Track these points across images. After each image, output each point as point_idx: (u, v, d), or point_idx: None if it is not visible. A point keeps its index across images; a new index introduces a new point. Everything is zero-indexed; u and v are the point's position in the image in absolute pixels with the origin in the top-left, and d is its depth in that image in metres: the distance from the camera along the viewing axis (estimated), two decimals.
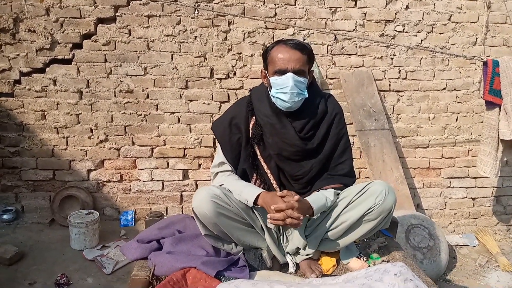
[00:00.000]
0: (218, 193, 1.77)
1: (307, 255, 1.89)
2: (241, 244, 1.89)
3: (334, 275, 1.83)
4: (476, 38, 3.58)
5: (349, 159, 1.94)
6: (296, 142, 1.82)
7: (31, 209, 3.45)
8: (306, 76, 1.80)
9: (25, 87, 3.31)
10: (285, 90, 1.74)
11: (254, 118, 1.89)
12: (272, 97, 1.81)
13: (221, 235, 1.85)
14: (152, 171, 3.50)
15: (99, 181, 3.47)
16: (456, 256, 3.41)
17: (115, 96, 3.38)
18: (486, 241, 3.50)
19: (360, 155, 3.52)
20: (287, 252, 1.91)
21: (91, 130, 3.40)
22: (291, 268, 1.86)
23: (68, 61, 3.32)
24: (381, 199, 1.74)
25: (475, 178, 3.74)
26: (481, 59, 3.01)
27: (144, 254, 1.93)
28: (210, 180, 3.54)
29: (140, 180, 3.50)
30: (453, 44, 3.57)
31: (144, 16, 3.30)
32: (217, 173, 1.94)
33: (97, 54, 3.32)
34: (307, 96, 1.80)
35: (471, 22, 3.56)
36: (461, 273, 3.19)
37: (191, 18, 3.33)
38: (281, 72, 1.75)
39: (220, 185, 1.88)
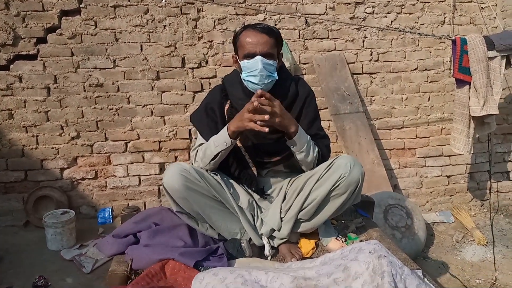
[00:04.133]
0: (187, 168, 1.78)
1: (282, 238, 1.89)
2: (214, 226, 1.88)
3: (314, 258, 1.83)
4: (445, 17, 3.63)
5: (325, 136, 1.98)
6: None
7: (4, 211, 3.34)
8: (275, 58, 1.83)
9: None
10: (254, 73, 1.77)
11: (228, 102, 1.93)
12: (243, 81, 1.85)
13: (194, 215, 1.85)
14: (127, 166, 3.43)
15: (73, 179, 3.39)
16: (433, 233, 3.48)
17: (84, 90, 3.29)
18: (462, 217, 3.59)
19: (336, 139, 3.54)
20: (261, 234, 1.91)
21: (62, 127, 3.31)
22: (267, 251, 1.85)
23: (33, 57, 3.21)
24: (347, 171, 1.76)
25: (449, 156, 3.81)
26: (450, 37, 3.04)
27: (121, 249, 1.89)
28: None
29: (115, 176, 3.43)
30: (422, 24, 3.60)
31: (110, 6, 3.21)
32: (197, 151, 1.93)
33: (63, 48, 3.22)
34: (277, 78, 1.84)
35: (439, 2, 3.60)
36: (439, 249, 3.26)
37: (159, 7, 3.26)
38: (250, 56, 1.79)
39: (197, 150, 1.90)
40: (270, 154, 1.92)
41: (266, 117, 1.65)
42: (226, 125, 1.79)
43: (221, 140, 1.78)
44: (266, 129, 1.67)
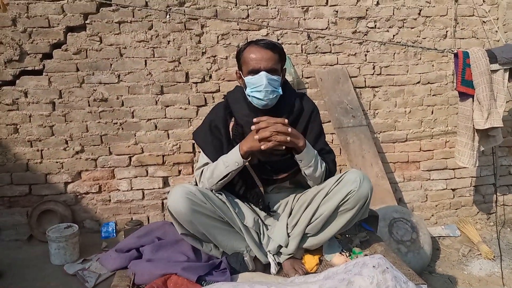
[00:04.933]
0: (193, 190, 1.76)
1: (289, 254, 1.87)
2: (220, 245, 1.86)
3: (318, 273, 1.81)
4: (446, 31, 3.65)
5: (330, 151, 1.98)
6: None
7: (7, 226, 3.34)
8: (279, 74, 1.84)
9: None
10: (259, 89, 1.78)
11: (233, 119, 1.92)
12: (248, 96, 1.85)
13: (199, 236, 1.83)
14: (131, 180, 3.43)
15: (77, 194, 3.39)
16: (439, 247, 3.44)
17: (89, 105, 3.31)
18: (468, 231, 3.55)
19: (340, 153, 3.53)
20: (269, 251, 1.89)
21: (66, 142, 3.33)
22: (273, 269, 1.83)
23: (38, 72, 3.24)
24: (356, 186, 1.76)
25: (453, 169, 3.79)
26: (452, 51, 3.05)
27: (124, 264, 1.89)
28: None
29: (119, 190, 3.43)
30: (424, 38, 3.62)
31: (115, 22, 3.25)
32: (202, 172, 1.92)
33: (68, 63, 3.25)
34: (281, 93, 1.84)
35: (441, 16, 3.62)
36: (445, 263, 3.22)
37: (163, 22, 3.30)
38: (255, 72, 1.79)
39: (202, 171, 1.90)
40: (277, 171, 1.91)
41: (288, 140, 1.69)
42: (238, 145, 1.77)
43: (232, 161, 1.77)
44: (283, 147, 1.71)
